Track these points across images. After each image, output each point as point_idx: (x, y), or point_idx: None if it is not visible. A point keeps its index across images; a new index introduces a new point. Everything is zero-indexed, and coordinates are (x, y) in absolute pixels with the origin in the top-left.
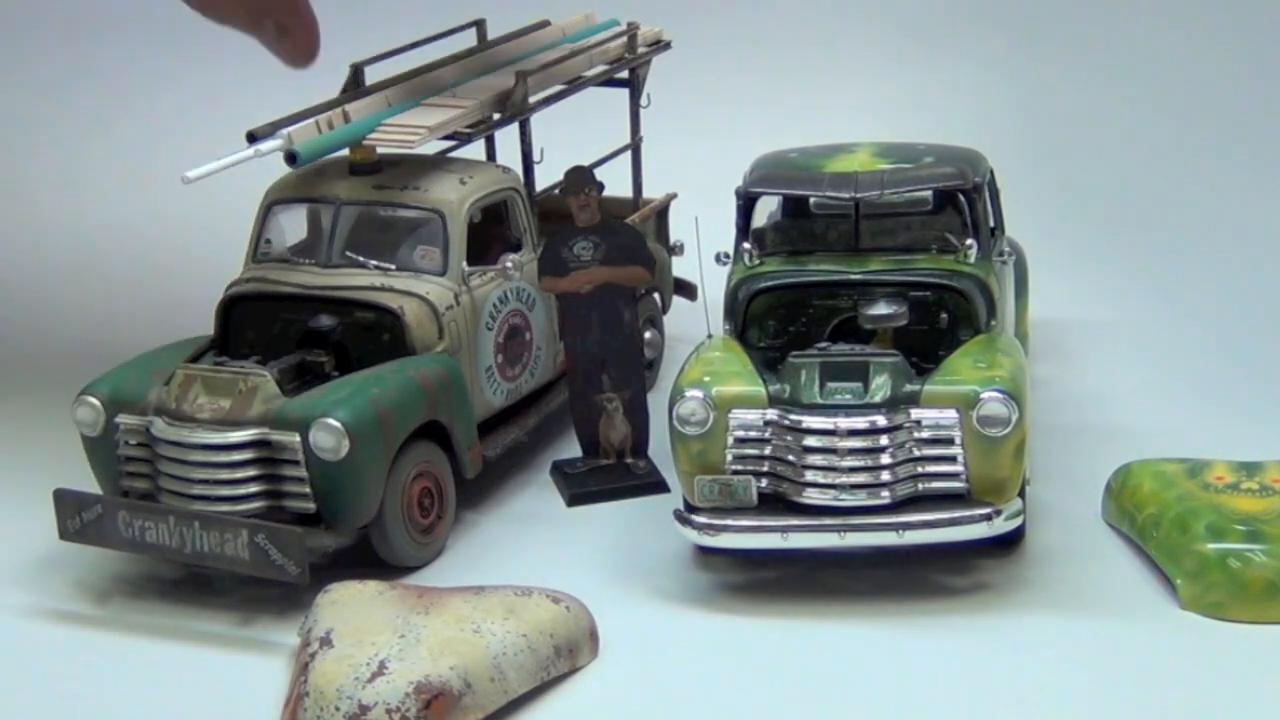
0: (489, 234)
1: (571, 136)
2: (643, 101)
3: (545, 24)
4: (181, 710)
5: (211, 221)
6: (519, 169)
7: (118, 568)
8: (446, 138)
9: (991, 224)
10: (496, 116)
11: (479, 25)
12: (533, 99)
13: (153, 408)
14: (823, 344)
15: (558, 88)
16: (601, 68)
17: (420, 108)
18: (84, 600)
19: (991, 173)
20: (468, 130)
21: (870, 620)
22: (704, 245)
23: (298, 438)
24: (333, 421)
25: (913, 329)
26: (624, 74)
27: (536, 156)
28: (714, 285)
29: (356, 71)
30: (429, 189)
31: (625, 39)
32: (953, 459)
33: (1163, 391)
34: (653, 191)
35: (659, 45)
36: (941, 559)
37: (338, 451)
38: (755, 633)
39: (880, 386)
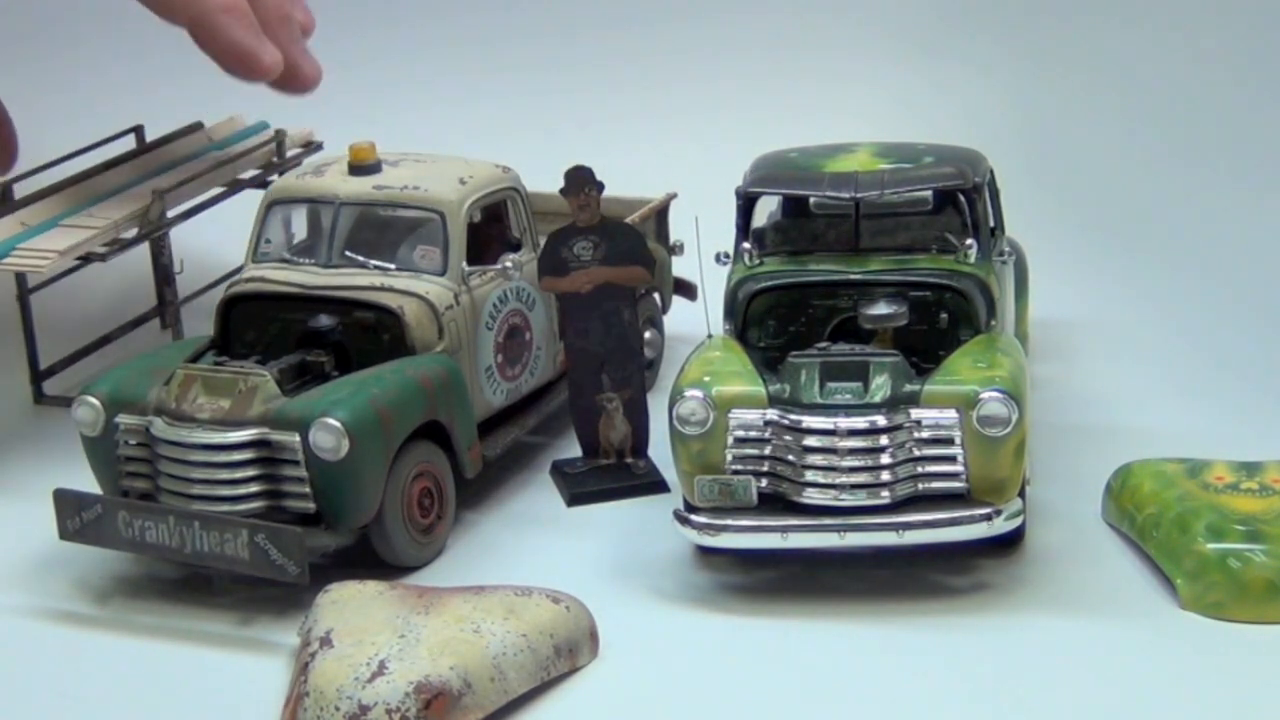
0: (489, 234)
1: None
2: None
3: (199, 126)
4: (181, 710)
5: (211, 221)
6: (157, 281)
7: (118, 568)
8: (80, 258)
9: (991, 224)
10: (133, 234)
11: (138, 131)
12: (172, 213)
13: (152, 408)
14: (823, 344)
15: (200, 199)
16: (253, 172)
17: (57, 229)
18: (84, 600)
19: (991, 173)
20: (103, 250)
21: (870, 620)
22: (704, 245)
23: (298, 438)
24: (332, 421)
25: (913, 329)
26: (274, 177)
27: (177, 268)
28: (714, 285)
29: (5, 189)
30: (429, 189)
31: (274, 144)
32: (953, 459)
33: (1163, 391)
34: (653, 191)
35: (310, 147)
36: (941, 559)
37: (338, 451)
38: (755, 633)
39: (880, 386)
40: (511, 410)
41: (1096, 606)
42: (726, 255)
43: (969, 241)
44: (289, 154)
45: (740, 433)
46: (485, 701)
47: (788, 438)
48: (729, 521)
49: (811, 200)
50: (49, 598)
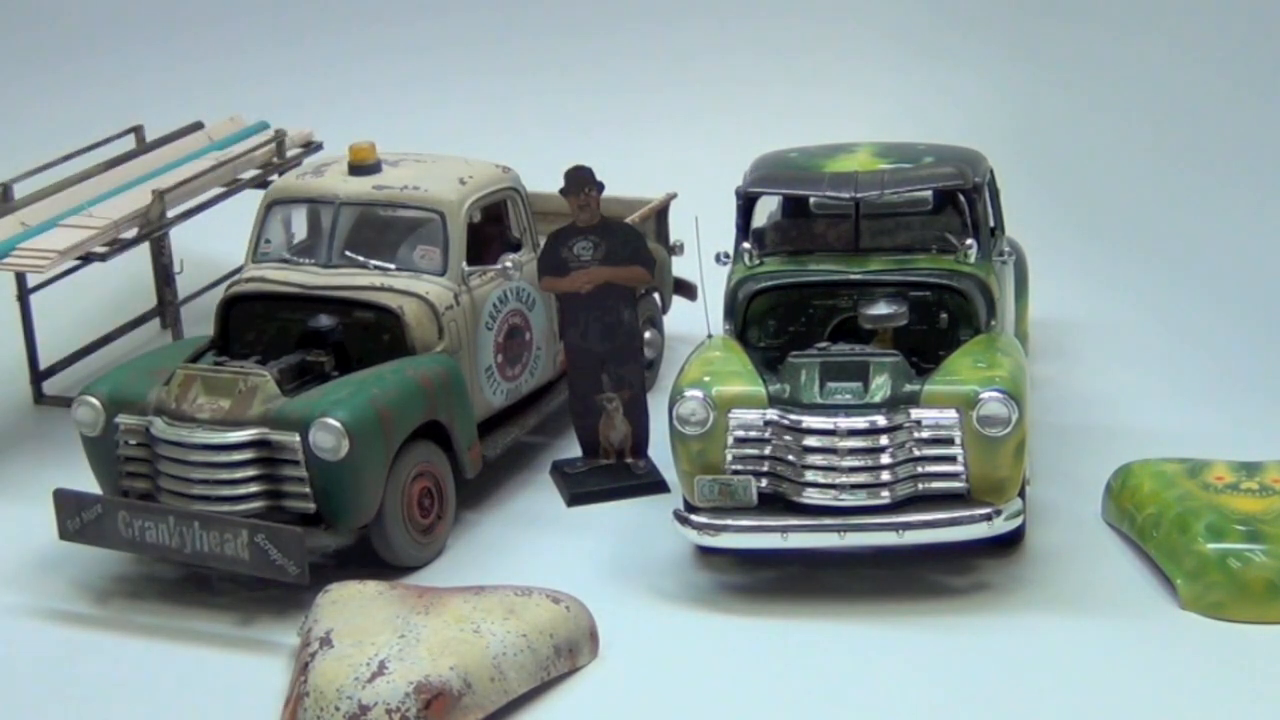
0: (489, 234)
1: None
2: None
3: (199, 126)
4: (181, 710)
5: (211, 221)
6: (157, 281)
7: (118, 568)
8: (81, 258)
9: (991, 224)
10: (133, 234)
11: (138, 131)
12: (172, 213)
13: (153, 408)
14: (823, 344)
15: (200, 200)
16: (253, 173)
17: (57, 229)
18: (84, 600)
19: (991, 173)
20: (103, 250)
21: (870, 620)
22: (704, 245)
23: (297, 438)
24: (332, 421)
25: (913, 329)
26: (274, 177)
27: (177, 268)
28: (714, 285)
29: (5, 189)
30: (429, 189)
31: (274, 144)
32: (953, 459)
33: (1163, 392)
34: (653, 191)
35: (310, 147)
36: (941, 559)
37: (337, 451)
38: (755, 633)
39: (880, 386)
40: (511, 410)
41: (1096, 606)
42: (726, 255)
43: (969, 241)
44: (289, 154)
45: (740, 433)
46: (485, 701)
47: (788, 438)
48: (729, 521)
49: (811, 200)
50: (49, 598)
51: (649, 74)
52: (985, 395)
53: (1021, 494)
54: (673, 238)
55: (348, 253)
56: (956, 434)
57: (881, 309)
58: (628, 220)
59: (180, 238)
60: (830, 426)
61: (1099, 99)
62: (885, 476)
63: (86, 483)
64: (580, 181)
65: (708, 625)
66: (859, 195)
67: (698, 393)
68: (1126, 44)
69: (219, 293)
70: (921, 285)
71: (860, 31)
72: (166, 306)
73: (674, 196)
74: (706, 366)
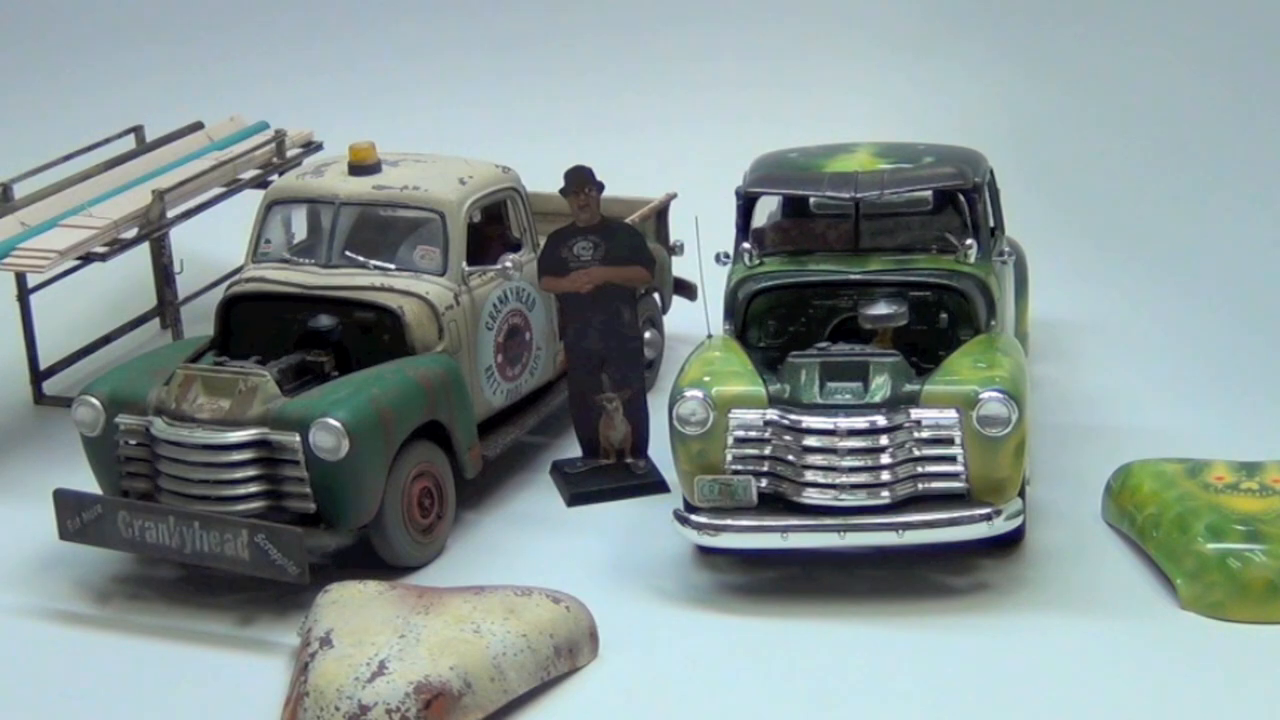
0: (489, 234)
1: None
2: None
3: (199, 126)
4: (181, 710)
5: (211, 221)
6: (157, 281)
7: (118, 568)
8: (81, 258)
9: (991, 224)
10: (133, 234)
11: (138, 131)
12: (172, 213)
13: (152, 408)
14: (823, 344)
15: (200, 199)
16: (253, 173)
17: (57, 229)
18: (84, 600)
19: (991, 173)
20: (103, 250)
21: (870, 620)
22: (704, 245)
23: (298, 438)
24: (333, 421)
25: (913, 329)
26: (274, 177)
27: (177, 268)
28: (714, 285)
29: (5, 189)
30: (429, 189)
31: (274, 144)
32: (953, 459)
33: (1163, 391)
34: (653, 191)
35: (310, 147)
36: (941, 559)
37: (338, 451)
38: (755, 633)
39: (880, 386)
40: (511, 410)
41: (1096, 606)
42: (726, 255)
43: (969, 241)
44: (289, 154)
45: (740, 433)
46: (485, 701)
47: (788, 438)
48: (729, 521)
49: (811, 200)
50: (49, 598)
51: (649, 74)
52: (985, 395)
53: (1021, 494)
54: (673, 238)
55: (348, 253)
56: (956, 434)
57: (881, 309)
58: (628, 220)
59: (180, 238)
60: (830, 426)
61: (1099, 99)
62: (885, 476)
63: (86, 483)
64: (580, 181)
65: (708, 625)
66: (859, 195)
67: (698, 393)
68: (1126, 44)
69: (219, 293)
70: (921, 285)
71: (860, 32)
72: (166, 306)
73: (674, 196)
74: (706, 366)
